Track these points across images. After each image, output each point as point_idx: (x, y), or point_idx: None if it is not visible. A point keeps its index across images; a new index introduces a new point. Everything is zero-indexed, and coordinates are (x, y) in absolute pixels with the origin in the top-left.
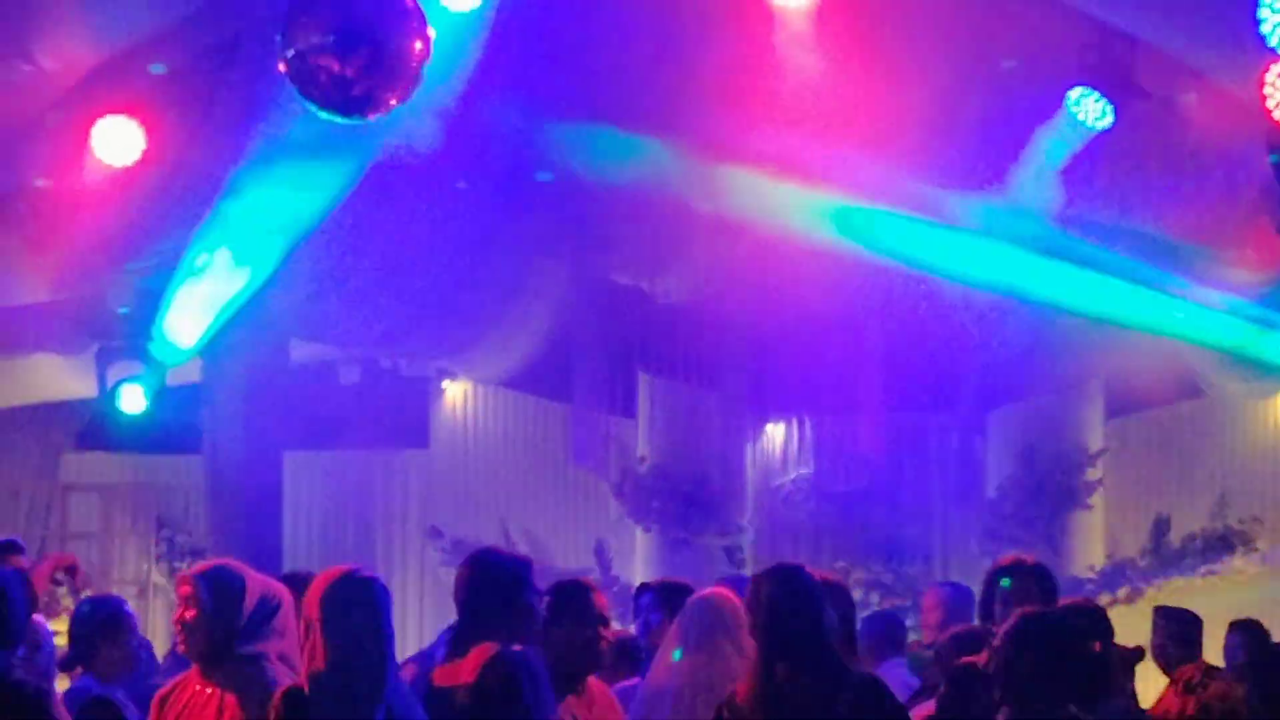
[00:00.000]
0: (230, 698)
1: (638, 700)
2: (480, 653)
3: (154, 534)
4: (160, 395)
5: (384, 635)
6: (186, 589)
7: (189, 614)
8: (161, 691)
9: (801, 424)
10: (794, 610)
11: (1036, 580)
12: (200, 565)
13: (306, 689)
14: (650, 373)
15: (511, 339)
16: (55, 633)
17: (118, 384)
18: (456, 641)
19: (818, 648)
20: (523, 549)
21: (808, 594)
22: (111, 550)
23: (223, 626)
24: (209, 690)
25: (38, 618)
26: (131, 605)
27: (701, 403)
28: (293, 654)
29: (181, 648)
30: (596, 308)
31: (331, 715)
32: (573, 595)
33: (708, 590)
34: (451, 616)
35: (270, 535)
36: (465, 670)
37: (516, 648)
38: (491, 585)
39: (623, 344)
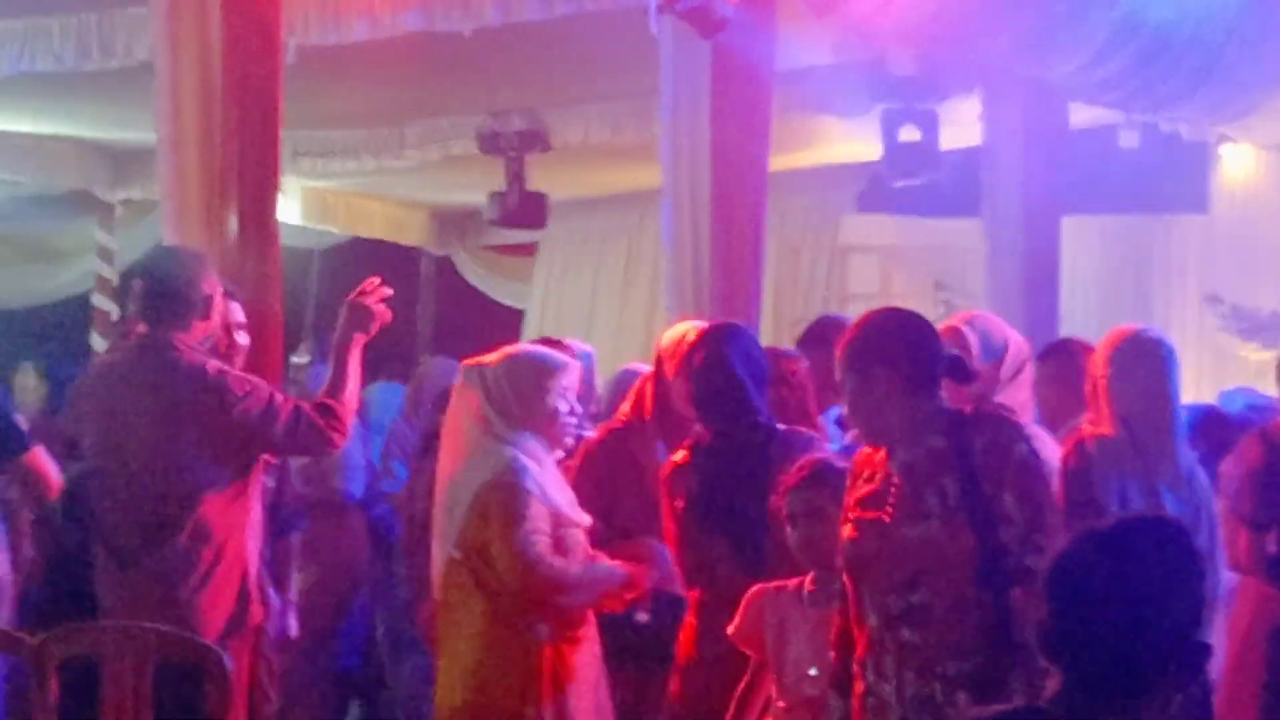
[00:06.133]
0: None
1: None
2: None
3: (931, 296)
4: (939, 158)
5: (1170, 393)
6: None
7: None
8: None
9: None
10: None
11: None
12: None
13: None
14: None
15: None
16: None
17: (901, 147)
18: None
19: None
20: None
21: None
22: None
23: None
24: None
25: None
26: None
27: None
28: None
29: None
30: None
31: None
32: None
33: None
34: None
35: (1047, 299)
36: None
37: None
38: None
39: None
